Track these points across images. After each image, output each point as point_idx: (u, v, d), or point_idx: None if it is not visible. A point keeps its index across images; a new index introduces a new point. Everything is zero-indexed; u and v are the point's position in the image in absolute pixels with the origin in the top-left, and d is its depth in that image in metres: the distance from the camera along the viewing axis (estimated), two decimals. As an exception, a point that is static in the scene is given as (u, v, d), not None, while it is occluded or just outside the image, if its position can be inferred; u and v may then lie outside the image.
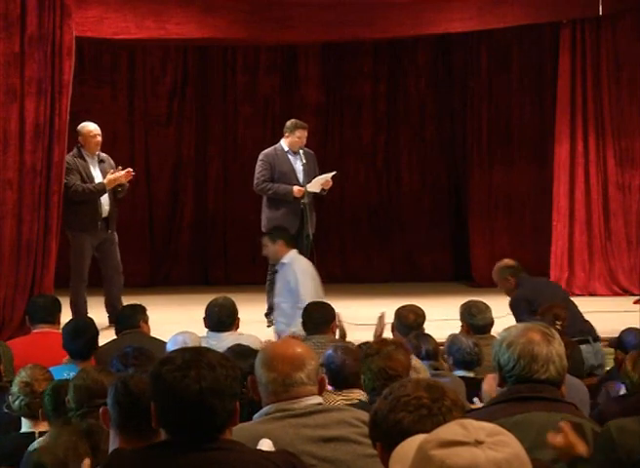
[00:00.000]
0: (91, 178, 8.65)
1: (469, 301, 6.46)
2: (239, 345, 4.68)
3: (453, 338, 5.61)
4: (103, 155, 8.90)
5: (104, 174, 8.71)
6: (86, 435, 3.35)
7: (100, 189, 8.56)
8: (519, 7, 10.30)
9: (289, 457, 2.87)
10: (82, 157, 8.70)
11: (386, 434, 2.36)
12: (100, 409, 3.15)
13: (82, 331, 5.59)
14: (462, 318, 6.36)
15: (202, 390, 2.65)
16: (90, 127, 8.78)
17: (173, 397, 2.66)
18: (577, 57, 10.70)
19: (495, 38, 11.60)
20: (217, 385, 2.68)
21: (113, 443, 3.06)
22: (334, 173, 8.99)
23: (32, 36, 8.41)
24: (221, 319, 6.22)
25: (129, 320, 6.34)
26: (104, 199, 8.65)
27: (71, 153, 8.69)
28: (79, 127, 8.79)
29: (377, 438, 2.41)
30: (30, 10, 8.42)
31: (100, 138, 8.75)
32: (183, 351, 2.82)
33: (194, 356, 2.73)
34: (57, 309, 6.49)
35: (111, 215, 8.70)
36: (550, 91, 11.23)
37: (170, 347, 5.48)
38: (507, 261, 7.85)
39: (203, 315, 8.72)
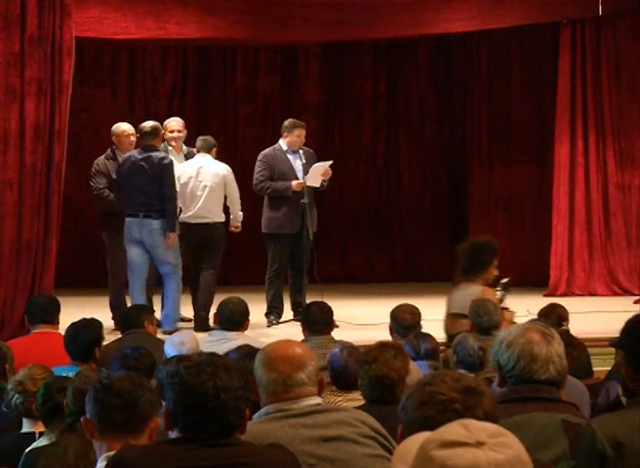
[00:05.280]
0: None
1: (481, 299, 6.40)
2: (248, 346, 4.65)
3: (461, 338, 5.59)
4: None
5: None
6: None
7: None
8: (519, 7, 10.30)
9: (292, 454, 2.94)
10: (115, 159, 8.60)
11: (410, 424, 2.35)
12: (82, 420, 3.10)
13: (81, 333, 5.59)
14: (470, 315, 6.33)
15: (216, 387, 2.73)
16: (123, 127, 8.73)
17: (188, 392, 2.73)
18: (577, 57, 10.70)
19: (495, 38, 11.60)
20: (231, 384, 2.75)
21: (100, 451, 3.01)
22: (331, 162, 8.99)
23: (32, 36, 8.41)
24: (234, 316, 6.22)
25: (134, 320, 6.40)
26: None
27: (104, 155, 8.65)
28: (113, 127, 8.76)
29: (402, 420, 2.41)
30: (30, 10, 8.42)
31: (133, 138, 8.66)
32: (200, 353, 2.95)
33: (211, 357, 2.84)
34: (56, 309, 6.48)
35: None
36: (550, 91, 11.23)
37: (167, 347, 5.47)
38: None
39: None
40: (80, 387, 3.83)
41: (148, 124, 8.41)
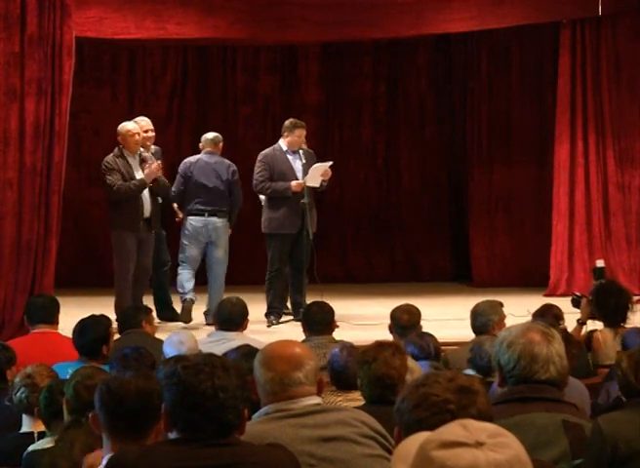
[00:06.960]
0: (132, 178, 8.44)
1: (481, 301, 6.38)
2: (247, 346, 4.65)
3: (480, 340, 5.55)
4: (146, 154, 8.65)
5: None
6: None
7: (141, 185, 8.37)
8: (519, 7, 10.30)
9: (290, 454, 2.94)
10: (123, 157, 8.48)
11: (406, 426, 2.35)
12: (90, 415, 3.13)
13: (88, 329, 5.57)
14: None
15: (215, 386, 2.73)
16: (129, 126, 8.58)
17: (186, 391, 2.73)
18: (577, 57, 10.71)
19: (495, 38, 11.60)
20: (229, 384, 2.75)
21: (106, 447, 3.05)
22: (330, 162, 8.99)
23: (32, 36, 8.41)
24: (232, 316, 6.23)
25: (131, 320, 6.42)
26: (146, 199, 8.48)
27: (112, 153, 8.51)
28: (119, 127, 8.59)
29: (397, 423, 2.40)
30: (30, 10, 8.42)
31: (138, 137, 8.53)
32: (197, 355, 2.99)
33: (209, 357, 2.85)
34: (55, 309, 6.48)
35: (153, 216, 8.54)
36: (550, 91, 11.23)
37: (166, 347, 5.47)
38: None
39: (204, 315, 8.78)
40: (83, 382, 3.83)
41: (211, 134, 9.20)
